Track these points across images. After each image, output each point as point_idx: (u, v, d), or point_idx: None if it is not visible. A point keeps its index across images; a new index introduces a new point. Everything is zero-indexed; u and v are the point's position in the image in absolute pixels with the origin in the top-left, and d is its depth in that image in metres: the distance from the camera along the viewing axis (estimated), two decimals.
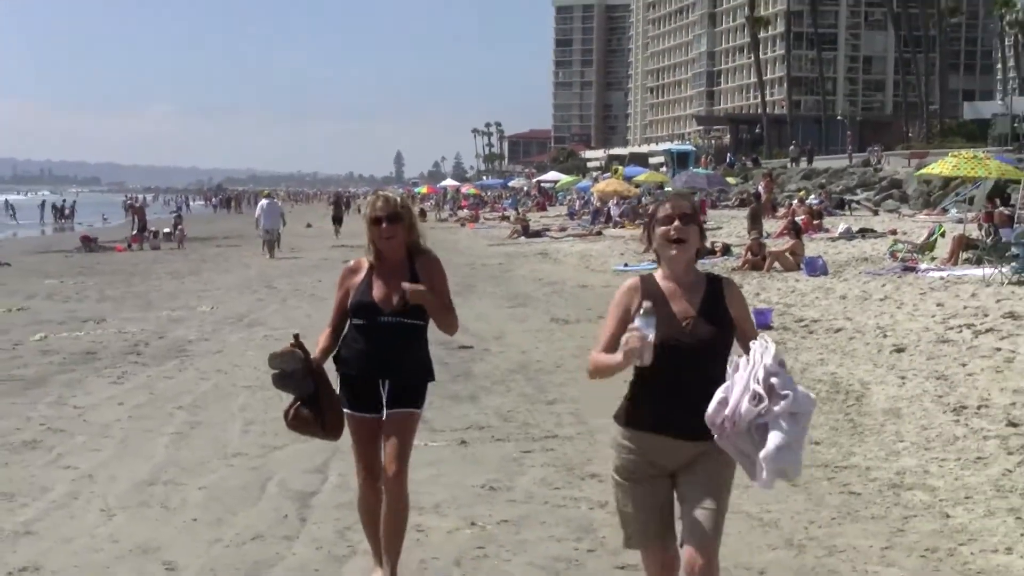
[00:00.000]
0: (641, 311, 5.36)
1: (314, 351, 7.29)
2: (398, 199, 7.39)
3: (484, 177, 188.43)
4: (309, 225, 69.44)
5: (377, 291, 7.16)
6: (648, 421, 5.63)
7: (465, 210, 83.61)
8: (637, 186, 66.84)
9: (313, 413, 7.18)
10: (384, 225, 7.15)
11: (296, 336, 7.28)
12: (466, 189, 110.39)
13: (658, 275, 5.74)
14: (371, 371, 7.18)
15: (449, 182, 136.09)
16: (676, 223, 5.57)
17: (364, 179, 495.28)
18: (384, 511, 7.18)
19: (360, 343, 7.20)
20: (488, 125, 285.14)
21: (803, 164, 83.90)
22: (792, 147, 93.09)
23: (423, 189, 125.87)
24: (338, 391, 7.31)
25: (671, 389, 5.50)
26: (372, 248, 7.27)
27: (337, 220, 56.62)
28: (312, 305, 24.46)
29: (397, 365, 7.16)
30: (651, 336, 5.25)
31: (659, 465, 5.68)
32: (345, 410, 7.26)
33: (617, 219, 56.44)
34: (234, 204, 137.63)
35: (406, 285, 7.06)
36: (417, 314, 7.17)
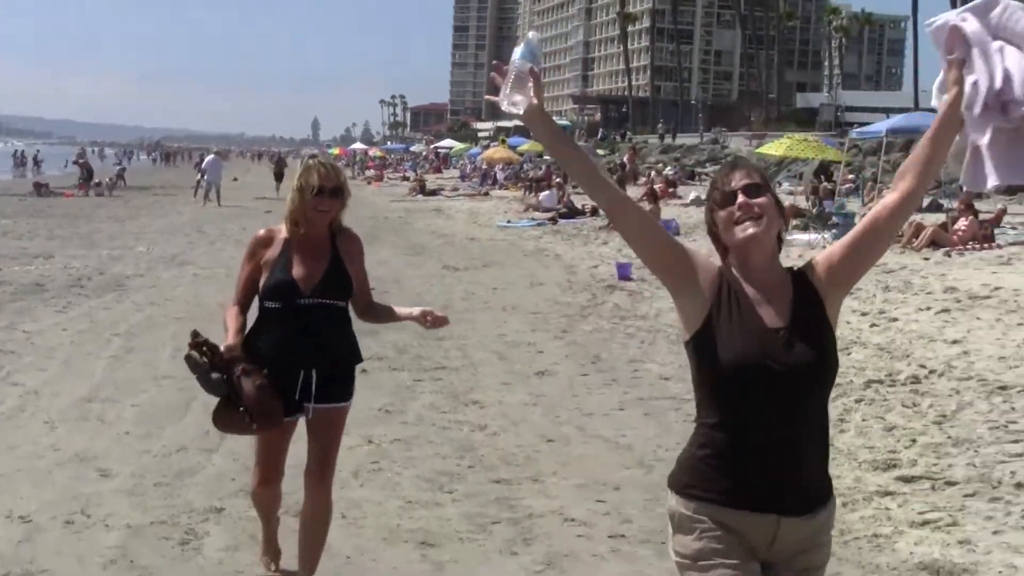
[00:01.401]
0: (524, 38, 3.61)
1: (224, 339, 5.63)
2: (342, 171, 5.91)
3: (389, 142, 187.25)
4: (236, 179, 68.52)
5: (297, 269, 5.61)
6: (729, 491, 3.47)
7: (371, 171, 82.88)
8: (521, 154, 66.70)
9: (237, 411, 5.54)
10: (325, 198, 5.60)
11: (194, 335, 5.64)
12: (373, 152, 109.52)
13: (733, 270, 3.57)
14: (292, 361, 5.61)
15: (359, 146, 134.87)
16: (741, 198, 3.49)
17: (284, 141, 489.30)
18: (306, 520, 5.90)
19: (276, 330, 5.63)
20: (394, 97, 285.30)
21: (668, 140, 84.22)
22: (660, 125, 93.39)
23: (336, 151, 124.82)
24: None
25: (765, 437, 3.41)
26: (298, 220, 5.65)
27: (278, 177, 53.96)
28: (236, 248, 24.10)
29: (323, 352, 5.64)
30: (529, 69, 3.45)
31: (747, 548, 3.50)
32: None
33: (502, 182, 56.36)
34: (172, 159, 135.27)
35: (435, 316, 5.92)
36: (340, 294, 5.71)
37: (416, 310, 5.97)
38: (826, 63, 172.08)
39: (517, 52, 3.49)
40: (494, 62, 3.54)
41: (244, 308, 5.75)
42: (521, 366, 12.16)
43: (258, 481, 5.89)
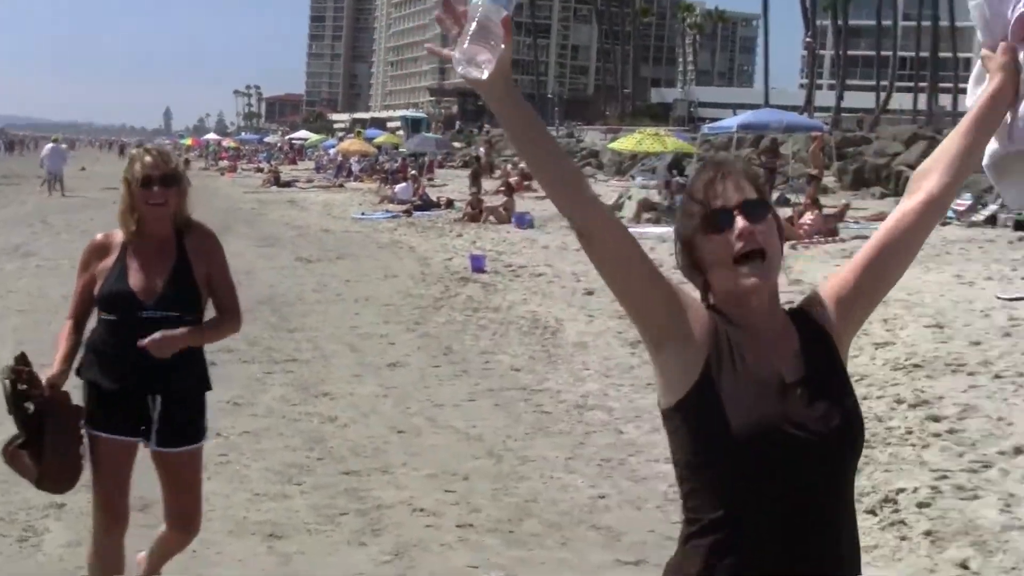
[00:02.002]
0: None
1: (53, 364, 5.01)
2: (173, 155, 5.25)
3: (243, 133, 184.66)
4: (83, 168, 66.94)
5: (135, 277, 4.90)
6: None
7: (225, 161, 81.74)
8: (377, 146, 66.44)
9: (30, 455, 4.86)
10: (155, 188, 4.88)
11: (17, 360, 5.01)
12: (227, 143, 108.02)
13: (724, 312, 2.70)
14: (133, 383, 4.90)
15: (212, 136, 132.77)
16: (741, 223, 2.59)
17: (136, 130, 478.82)
18: (166, 544, 5.29)
19: (114, 346, 4.91)
20: (248, 87, 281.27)
21: None
22: None
23: (188, 141, 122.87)
24: (84, 404, 5.02)
25: (793, 529, 2.56)
26: (131, 218, 4.96)
27: None
28: (83, 239, 23.54)
29: (166, 374, 4.87)
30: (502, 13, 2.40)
31: None
32: (94, 432, 4.95)
33: (357, 174, 56.04)
34: (16, 147, 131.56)
35: (153, 341, 4.75)
36: (189, 305, 4.95)
37: (179, 335, 4.86)
38: (680, 59, 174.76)
39: None
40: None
41: (80, 324, 5.09)
42: (373, 358, 12.15)
43: (104, 522, 5.02)
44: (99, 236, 5.15)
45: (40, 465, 4.87)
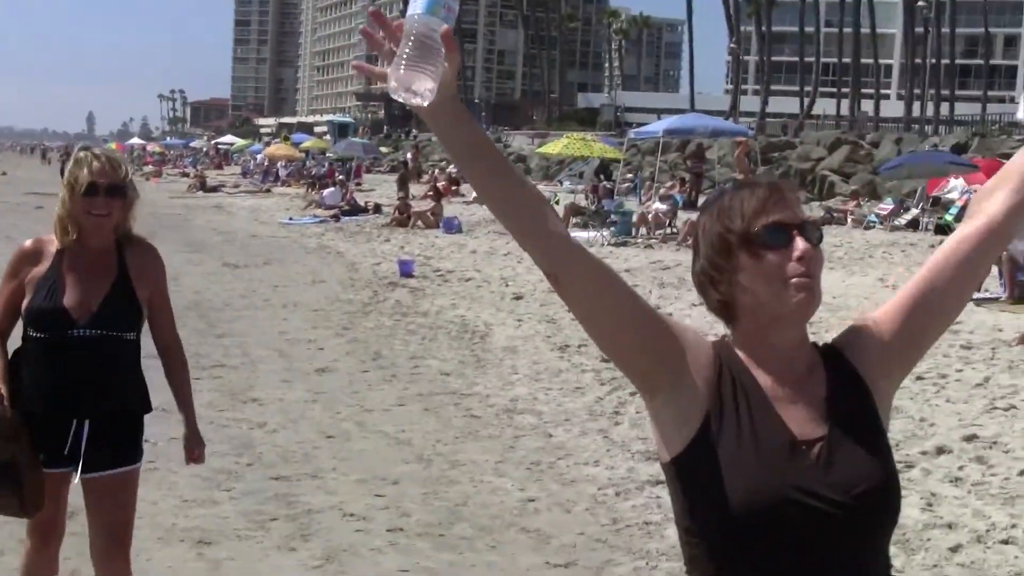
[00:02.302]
0: None
1: None
2: (123, 163, 4.71)
3: (168, 138, 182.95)
4: (4, 173, 65.99)
5: (70, 292, 4.48)
6: None
7: (150, 166, 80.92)
8: (304, 151, 66.10)
9: (9, 486, 4.43)
10: (100, 198, 4.46)
11: None
12: (151, 147, 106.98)
13: (738, 348, 2.34)
14: (60, 407, 4.51)
15: (136, 141, 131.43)
16: (802, 244, 2.25)
17: (58, 135, 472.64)
18: None
19: (41, 366, 4.51)
20: (173, 91, 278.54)
21: None
22: None
23: (112, 145, 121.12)
24: None
25: None
26: (68, 226, 4.52)
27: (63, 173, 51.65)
28: (8, 247, 23.27)
29: (97, 398, 4.52)
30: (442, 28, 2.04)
31: None
32: None
33: (284, 179, 55.75)
34: None
35: (197, 458, 4.95)
36: (126, 323, 4.57)
37: (191, 436, 4.99)
38: (606, 64, 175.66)
39: (419, 3, 2.07)
40: (370, 9, 2.23)
41: (4, 337, 4.62)
42: (301, 363, 12.11)
43: (36, 543, 4.71)
44: (29, 242, 4.69)
45: (22, 493, 4.43)
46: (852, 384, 2.31)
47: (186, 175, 66.28)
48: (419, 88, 2.04)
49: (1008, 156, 34.16)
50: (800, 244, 2.23)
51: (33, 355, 4.56)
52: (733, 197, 2.33)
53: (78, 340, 4.47)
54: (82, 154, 4.61)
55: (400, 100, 2.06)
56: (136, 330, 4.65)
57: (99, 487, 4.58)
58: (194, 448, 5.00)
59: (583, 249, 2.25)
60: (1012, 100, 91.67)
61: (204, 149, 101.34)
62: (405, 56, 2.04)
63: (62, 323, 4.47)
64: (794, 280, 2.21)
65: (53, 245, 4.60)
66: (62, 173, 5.52)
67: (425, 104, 2.06)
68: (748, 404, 2.25)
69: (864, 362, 2.34)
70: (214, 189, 52.00)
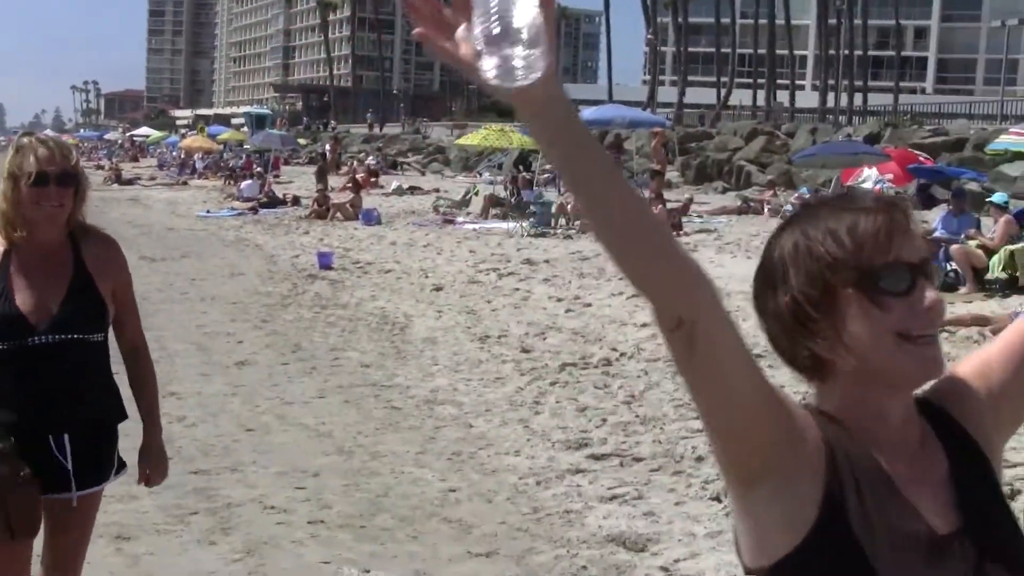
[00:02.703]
0: None
1: None
2: (72, 150, 4.26)
3: (82, 130, 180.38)
4: None
5: (23, 295, 4.02)
6: None
7: None
8: (221, 143, 65.52)
9: None
10: (51, 187, 4.00)
11: None
12: (65, 140, 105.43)
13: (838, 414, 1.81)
14: (30, 424, 4.04)
15: (49, 132, 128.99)
16: (932, 293, 1.75)
17: None
18: None
19: (3, 381, 4.04)
20: (86, 83, 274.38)
21: (376, 130, 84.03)
22: (369, 115, 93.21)
23: None
24: None
25: None
26: (14, 222, 4.03)
27: None
28: None
29: (72, 408, 4.11)
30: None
31: None
32: None
33: (201, 171, 55.21)
34: None
35: (153, 478, 4.47)
36: (91, 324, 4.13)
37: (157, 452, 4.52)
38: None
39: None
40: None
41: None
42: (220, 356, 12.03)
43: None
44: None
45: (9, 519, 3.95)
46: (969, 451, 1.87)
47: (101, 168, 65.27)
48: (526, 58, 1.48)
49: (919, 146, 34.89)
50: (929, 293, 1.76)
51: None
52: (832, 215, 1.80)
53: (40, 348, 4.01)
54: (26, 140, 4.12)
55: (497, 82, 1.49)
56: (103, 331, 4.19)
57: (82, 504, 4.16)
58: (159, 464, 4.51)
59: (723, 300, 1.68)
60: (922, 91, 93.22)
61: (119, 141, 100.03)
62: (497, 19, 1.49)
63: (19, 330, 3.99)
64: (920, 337, 1.75)
65: None
66: None
67: (533, 80, 1.48)
68: (873, 490, 1.76)
69: (973, 419, 1.89)
70: (130, 182, 51.41)
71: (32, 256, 4.07)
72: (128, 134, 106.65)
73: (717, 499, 7.22)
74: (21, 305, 4.01)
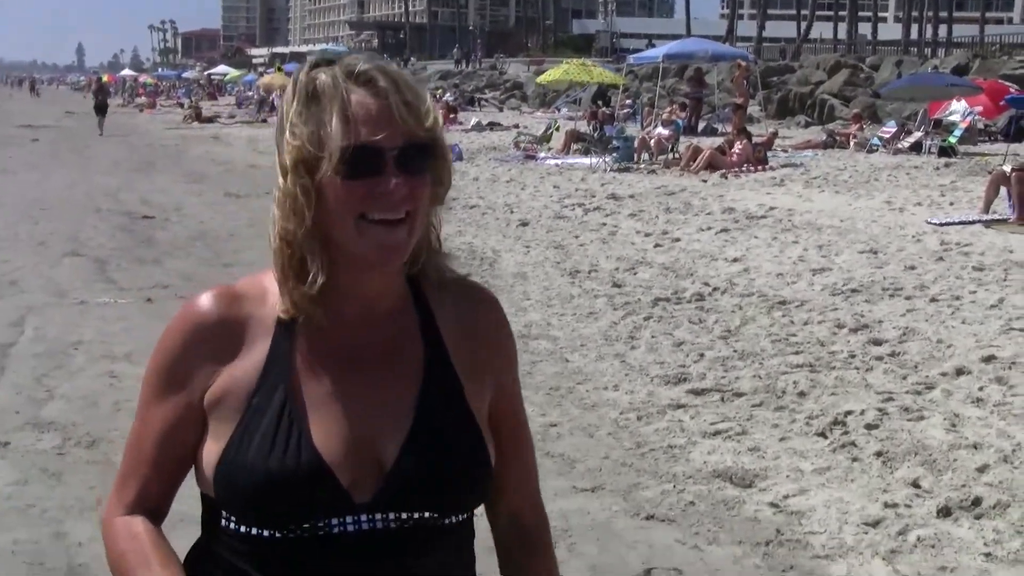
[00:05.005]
0: None
1: None
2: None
3: (160, 69, 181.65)
4: None
5: (326, 427, 2.07)
6: None
7: (143, 97, 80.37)
8: None
9: None
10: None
11: None
12: (144, 79, 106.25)
13: None
14: None
15: (128, 72, 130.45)
16: (395, 180, 1.78)
17: (47, 67, 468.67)
18: None
19: None
20: (163, 22, 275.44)
21: (463, 66, 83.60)
22: (455, 51, 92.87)
23: (105, 77, 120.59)
24: None
25: None
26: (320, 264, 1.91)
27: (100, 110, 42.74)
28: (3, 177, 23.12)
29: None
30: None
31: None
32: None
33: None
34: None
35: None
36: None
37: None
38: None
39: None
40: None
41: (158, 520, 1.73)
42: None
43: None
44: (207, 300, 2.01)
45: None
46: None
47: (180, 106, 65.90)
48: None
49: (1009, 77, 34.12)
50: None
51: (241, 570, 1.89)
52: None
53: (356, 537, 1.84)
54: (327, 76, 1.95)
55: None
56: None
57: None
58: None
59: None
60: (1009, 21, 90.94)
61: (197, 80, 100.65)
62: None
63: (318, 503, 1.84)
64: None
65: (266, 307, 2.01)
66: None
67: None
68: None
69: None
70: (210, 120, 51.73)
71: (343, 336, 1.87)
72: (206, 73, 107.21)
73: (823, 435, 7.10)
74: (322, 447, 1.96)
